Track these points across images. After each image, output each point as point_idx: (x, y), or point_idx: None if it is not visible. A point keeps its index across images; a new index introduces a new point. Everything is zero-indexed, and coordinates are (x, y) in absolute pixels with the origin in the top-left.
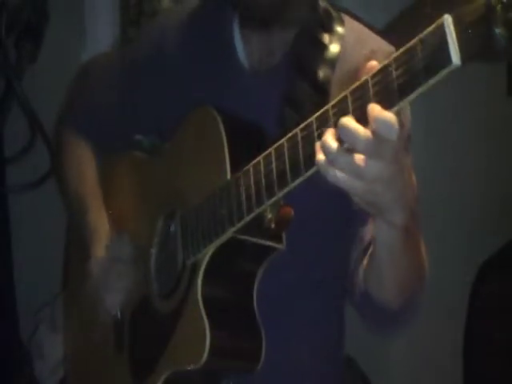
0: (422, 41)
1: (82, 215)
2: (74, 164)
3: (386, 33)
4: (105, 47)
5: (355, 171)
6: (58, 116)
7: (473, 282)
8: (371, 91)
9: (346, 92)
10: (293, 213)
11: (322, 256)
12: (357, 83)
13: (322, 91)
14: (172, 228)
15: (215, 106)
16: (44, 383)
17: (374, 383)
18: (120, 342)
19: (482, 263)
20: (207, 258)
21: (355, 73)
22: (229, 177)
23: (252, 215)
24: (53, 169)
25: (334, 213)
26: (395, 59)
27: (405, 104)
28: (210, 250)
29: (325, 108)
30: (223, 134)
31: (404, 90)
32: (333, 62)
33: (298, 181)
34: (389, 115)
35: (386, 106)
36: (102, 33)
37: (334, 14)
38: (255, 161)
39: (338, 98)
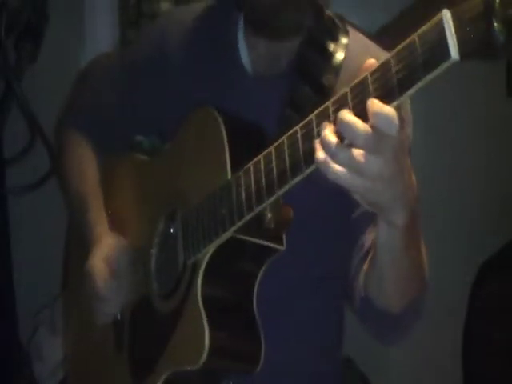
0: (421, 36)
1: (82, 214)
2: (75, 163)
3: (385, 33)
4: (104, 48)
5: (355, 167)
6: (59, 116)
7: (473, 282)
8: (371, 87)
9: (346, 89)
10: (293, 213)
11: (321, 255)
12: (357, 80)
13: (325, 98)
14: (173, 228)
15: (216, 106)
16: None
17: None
18: (120, 342)
19: (482, 263)
20: (207, 258)
21: None
22: (229, 177)
23: (252, 214)
24: (53, 170)
25: (333, 212)
26: (395, 55)
27: (404, 99)
28: (210, 250)
29: (325, 105)
30: (224, 134)
31: (404, 85)
32: (337, 70)
33: (298, 178)
34: (389, 110)
35: (386, 101)
36: (101, 34)
37: (338, 23)
38: (255, 159)
39: (338, 95)
